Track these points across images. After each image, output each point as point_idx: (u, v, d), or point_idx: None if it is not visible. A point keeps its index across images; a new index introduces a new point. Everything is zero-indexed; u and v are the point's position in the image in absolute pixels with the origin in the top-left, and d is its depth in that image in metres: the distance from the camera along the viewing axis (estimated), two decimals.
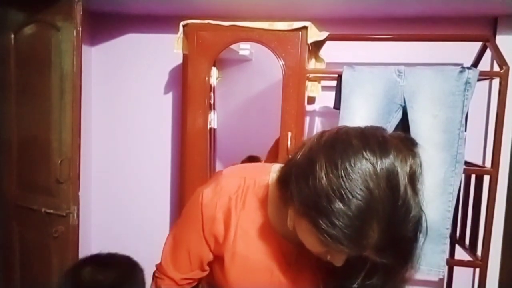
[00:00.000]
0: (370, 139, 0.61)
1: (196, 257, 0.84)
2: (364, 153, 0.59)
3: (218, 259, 0.82)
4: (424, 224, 0.63)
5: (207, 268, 0.86)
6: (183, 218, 0.86)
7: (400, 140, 0.63)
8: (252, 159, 1.83)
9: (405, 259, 0.64)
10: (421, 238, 0.65)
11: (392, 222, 0.58)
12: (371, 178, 0.57)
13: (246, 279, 0.80)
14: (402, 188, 0.58)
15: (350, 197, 0.57)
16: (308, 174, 0.62)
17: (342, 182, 0.58)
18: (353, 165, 0.58)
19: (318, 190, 0.59)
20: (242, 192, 0.79)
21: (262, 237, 0.78)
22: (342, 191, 0.57)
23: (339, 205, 0.57)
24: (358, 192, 0.57)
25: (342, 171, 0.58)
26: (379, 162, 0.58)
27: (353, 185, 0.57)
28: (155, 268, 0.91)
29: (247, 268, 0.79)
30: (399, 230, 0.59)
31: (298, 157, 0.66)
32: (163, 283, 0.88)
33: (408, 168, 0.59)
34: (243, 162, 1.79)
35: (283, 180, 0.70)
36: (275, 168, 0.80)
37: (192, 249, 0.83)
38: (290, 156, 0.73)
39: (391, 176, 0.58)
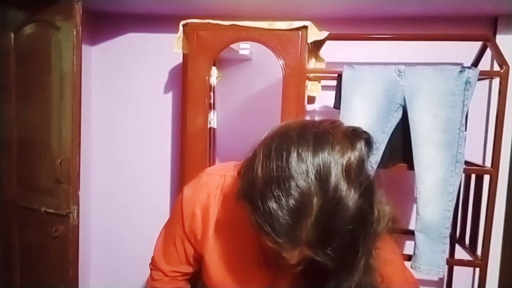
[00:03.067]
0: (306, 132, 0.60)
1: (182, 251, 0.87)
2: (297, 147, 0.58)
3: (202, 257, 0.84)
4: (371, 219, 0.60)
5: (193, 264, 0.88)
6: (171, 214, 0.91)
7: (344, 132, 0.61)
8: None
9: (346, 257, 0.60)
10: (371, 235, 0.61)
11: (323, 217, 0.56)
12: (302, 172, 0.56)
13: (226, 277, 0.80)
14: (333, 182, 0.56)
15: (281, 192, 0.56)
16: (249, 167, 0.62)
17: (273, 177, 0.57)
18: (285, 159, 0.57)
19: (254, 183, 0.59)
20: (221, 189, 0.80)
21: (240, 234, 0.78)
22: (274, 186, 0.57)
23: (270, 200, 0.57)
24: (288, 186, 0.56)
25: (274, 165, 0.58)
26: (310, 156, 0.57)
27: (285, 179, 0.56)
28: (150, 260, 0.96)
29: (226, 266, 0.80)
30: (330, 225, 0.56)
31: (252, 150, 0.66)
32: (156, 275, 0.92)
33: (344, 161, 0.57)
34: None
35: (238, 173, 0.70)
36: None
37: (177, 244, 0.86)
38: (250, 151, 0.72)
39: (321, 170, 0.56)
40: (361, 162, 0.59)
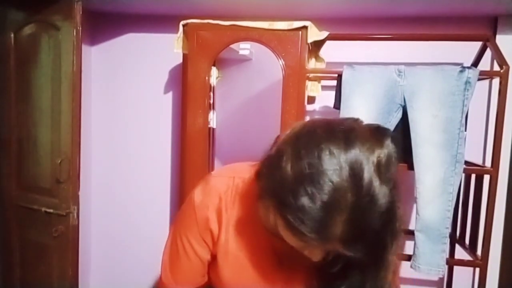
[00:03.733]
0: (335, 130, 0.61)
1: (197, 263, 0.82)
2: (328, 144, 0.58)
3: (212, 259, 0.82)
4: (398, 215, 0.61)
5: (206, 275, 0.85)
6: (178, 224, 0.84)
7: (370, 130, 0.62)
8: None
9: (376, 253, 0.62)
10: (397, 231, 0.62)
11: (356, 213, 0.57)
12: (334, 169, 0.56)
13: (239, 279, 0.79)
14: (366, 179, 0.57)
15: (313, 189, 0.56)
16: (275, 166, 0.61)
17: (305, 174, 0.57)
18: (316, 156, 0.57)
19: (283, 182, 0.59)
20: (231, 191, 0.79)
21: (253, 235, 0.78)
22: (306, 183, 0.57)
23: (303, 197, 0.57)
24: (321, 183, 0.56)
25: (305, 163, 0.58)
26: (342, 153, 0.57)
27: (316, 176, 0.56)
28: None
29: (239, 267, 0.79)
30: (363, 221, 0.57)
31: (272, 150, 0.66)
32: None
33: (375, 158, 0.58)
34: None
35: (258, 173, 0.70)
36: None
37: (191, 255, 0.82)
38: (265, 152, 0.71)
39: (354, 166, 0.57)
40: (390, 158, 0.60)
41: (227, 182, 0.80)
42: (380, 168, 0.58)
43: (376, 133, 0.62)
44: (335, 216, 0.57)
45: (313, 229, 0.57)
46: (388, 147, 0.60)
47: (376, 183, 0.57)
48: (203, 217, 0.79)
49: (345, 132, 0.60)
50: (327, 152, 0.57)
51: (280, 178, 0.59)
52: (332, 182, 0.56)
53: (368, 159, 0.58)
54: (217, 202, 0.79)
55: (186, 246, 0.82)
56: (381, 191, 0.57)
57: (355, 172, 0.57)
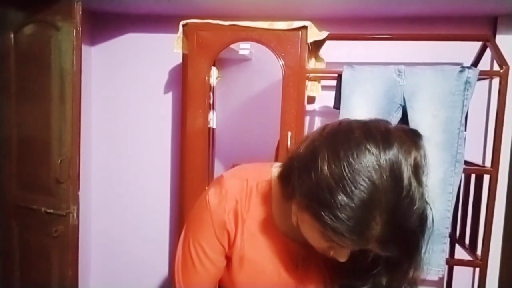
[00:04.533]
0: (372, 131, 0.61)
1: (211, 269, 0.80)
2: (367, 144, 0.58)
3: (226, 263, 0.81)
4: (429, 217, 0.62)
5: (217, 282, 0.83)
6: (191, 229, 0.81)
7: (404, 131, 0.63)
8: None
9: (409, 253, 0.63)
10: (427, 232, 0.63)
11: (396, 213, 0.57)
12: (374, 169, 0.57)
13: (253, 282, 0.79)
14: (405, 179, 0.57)
15: (353, 188, 0.56)
16: (310, 166, 0.61)
17: (345, 174, 0.57)
18: (356, 156, 0.58)
19: (320, 182, 0.59)
20: (246, 194, 0.78)
21: (269, 238, 0.77)
22: (345, 183, 0.57)
23: (341, 196, 0.57)
24: (361, 183, 0.56)
25: (345, 163, 0.58)
26: (382, 153, 0.58)
27: (356, 176, 0.57)
28: None
29: (254, 271, 0.78)
30: (403, 222, 0.58)
31: (301, 150, 0.66)
32: None
33: (412, 160, 0.59)
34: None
35: (285, 174, 0.70)
36: (276, 166, 0.80)
37: (205, 262, 0.79)
38: (291, 150, 0.71)
39: (394, 167, 0.57)
40: (424, 160, 0.61)
41: (241, 184, 0.79)
42: (417, 170, 0.59)
43: (411, 135, 0.63)
44: (374, 216, 0.57)
45: (351, 228, 0.57)
46: (423, 149, 0.61)
47: (414, 184, 0.58)
48: (220, 221, 0.77)
49: (382, 133, 0.60)
50: (367, 153, 0.58)
51: (317, 178, 0.59)
52: (372, 181, 0.56)
53: (406, 160, 0.58)
54: (234, 205, 0.77)
55: (200, 253, 0.79)
56: (418, 192, 0.58)
57: (395, 173, 0.57)
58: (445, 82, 1.40)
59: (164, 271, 2.20)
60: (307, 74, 1.57)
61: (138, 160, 2.17)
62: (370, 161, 0.57)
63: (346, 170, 0.57)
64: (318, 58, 1.74)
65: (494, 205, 1.48)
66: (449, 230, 1.46)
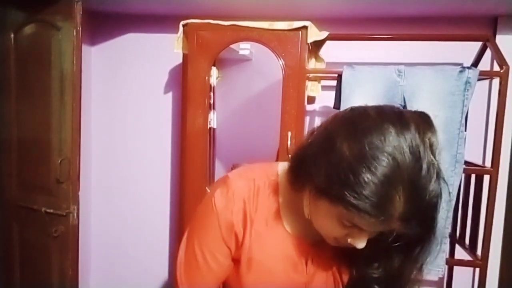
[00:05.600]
0: (388, 112, 0.63)
1: (216, 270, 0.79)
2: (385, 124, 0.60)
3: (234, 265, 0.80)
4: (445, 194, 0.64)
5: (221, 282, 0.83)
6: (196, 230, 0.79)
7: (416, 113, 0.65)
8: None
9: (428, 230, 0.64)
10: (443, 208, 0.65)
11: (418, 189, 0.58)
12: (394, 146, 0.58)
13: (262, 283, 0.78)
14: (424, 157, 0.59)
15: (376, 164, 0.57)
16: (327, 150, 0.62)
17: (366, 152, 0.58)
18: (375, 135, 0.59)
19: (341, 162, 0.60)
20: (253, 194, 0.77)
21: (277, 239, 0.77)
22: (367, 160, 0.58)
23: (364, 174, 0.57)
24: (384, 158, 0.58)
25: (365, 143, 0.59)
26: (400, 132, 0.59)
27: (378, 153, 0.58)
28: None
29: (263, 271, 0.77)
30: (424, 198, 0.59)
31: (311, 140, 0.67)
32: None
33: (427, 140, 0.61)
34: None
35: (296, 166, 0.70)
36: (282, 165, 0.79)
37: (211, 263, 0.78)
38: (299, 144, 0.72)
39: (413, 144, 0.59)
40: (437, 140, 0.63)
41: (248, 184, 0.77)
42: (433, 149, 0.61)
43: (424, 117, 0.65)
44: (397, 190, 0.58)
45: (376, 204, 0.58)
46: (436, 130, 0.63)
47: (432, 161, 0.60)
48: (228, 222, 0.76)
49: (397, 114, 0.63)
50: (385, 132, 0.59)
51: (337, 159, 0.60)
52: (393, 157, 0.58)
53: (423, 140, 0.60)
54: (242, 206, 0.76)
55: (206, 253, 0.77)
56: (435, 170, 0.60)
57: (414, 150, 0.59)
58: (445, 82, 1.40)
59: (164, 270, 2.20)
60: (307, 74, 1.57)
61: (138, 160, 2.17)
62: (389, 139, 0.59)
63: (367, 148, 0.59)
64: (318, 58, 1.74)
65: (494, 205, 1.48)
66: (449, 230, 1.47)
